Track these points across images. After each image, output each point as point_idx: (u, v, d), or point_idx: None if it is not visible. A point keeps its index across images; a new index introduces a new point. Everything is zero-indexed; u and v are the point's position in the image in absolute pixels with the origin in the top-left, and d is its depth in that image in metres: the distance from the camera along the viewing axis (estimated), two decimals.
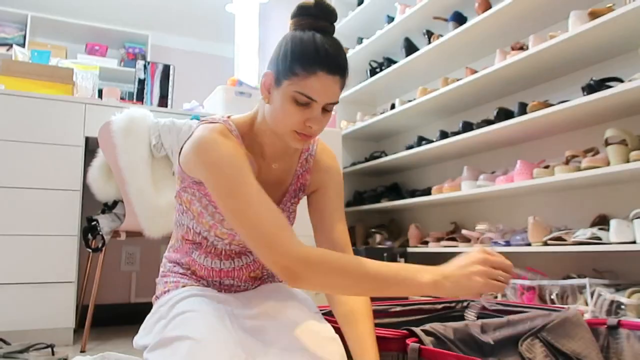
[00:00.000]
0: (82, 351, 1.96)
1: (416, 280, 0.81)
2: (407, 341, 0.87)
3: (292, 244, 0.81)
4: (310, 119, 0.89)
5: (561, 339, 0.98)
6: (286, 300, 0.98)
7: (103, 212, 2.23)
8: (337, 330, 0.94)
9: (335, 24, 0.92)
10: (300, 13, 0.90)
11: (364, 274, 0.81)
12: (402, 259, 2.65)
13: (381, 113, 3.16)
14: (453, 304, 1.39)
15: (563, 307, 1.11)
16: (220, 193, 0.85)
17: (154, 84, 2.70)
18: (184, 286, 1.00)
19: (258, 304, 0.97)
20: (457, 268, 0.82)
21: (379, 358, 0.88)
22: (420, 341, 0.86)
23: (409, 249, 2.76)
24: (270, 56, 0.94)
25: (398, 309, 1.29)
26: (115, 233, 2.11)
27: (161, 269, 1.08)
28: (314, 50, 0.86)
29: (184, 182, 0.99)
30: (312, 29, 0.89)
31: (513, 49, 2.27)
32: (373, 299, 0.98)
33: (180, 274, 1.04)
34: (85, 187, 2.18)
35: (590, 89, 1.89)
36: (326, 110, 0.90)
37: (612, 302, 1.66)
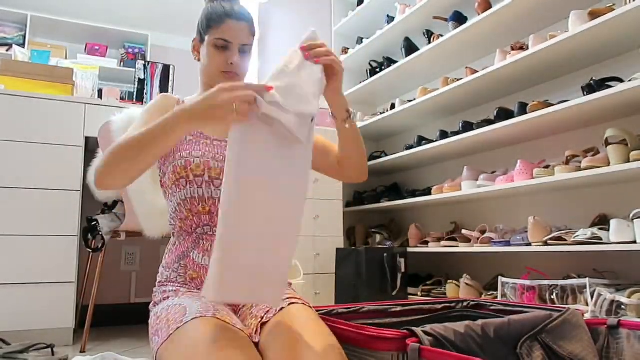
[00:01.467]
0: (82, 351, 1.96)
1: (168, 126, 0.88)
2: (407, 341, 0.86)
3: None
4: (230, 58, 1.09)
5: (560, 340, 0.98)
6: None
7: (103, 212, 2.23)
8: (336, 331, 0.94)
9: None
10: None
11: (131, 140, 0.91)
12: (402, 259, 2.65)
13: (381, 113, 3.16)
14: (453, 304, 1.39)
15: (563, 307, 1.11)
16: (132, 128, 1.06)
17: (153, 84, 2.70)
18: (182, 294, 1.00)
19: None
20: (202, 98, 0.86)
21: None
22: (420, 341, 0.86)
23: (409, 249, 2.76)
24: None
25: (398, 309, 1.29)
26: (115, 233, 2.11)
27: (158, 278, 1.08)
28: (222, 7, 1.10)
29: (160, 161, 1.12)
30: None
31: (513, 49, 2.27)
32: (373, 300, 0.98)
33: (179, 283, 1.04)
34: (85, 187, 2.18)
35: (590, 89, 1.89)
36: (243, 51, 1.11)
37: (612, 302, 1.66)
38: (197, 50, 1.16)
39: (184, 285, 1.03)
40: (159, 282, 1.07)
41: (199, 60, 1.16)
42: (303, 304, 1.00)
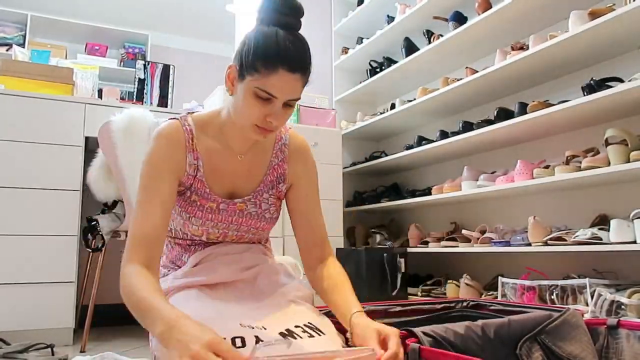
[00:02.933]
0: (82, 351, 1.96)
1: (151, 327, 0.77)
2: (407, 341, 0.86)
3: (128, 265, 0.85)
4: (270, 114, 0.90)
5: (559, 341, 0.98)
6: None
7: (103, 212, 2.23)
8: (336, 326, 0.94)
9: (301, 19, 0.92)
10: (267, 7, 0.90)
11: (134, 308, 0.81)
12: (402, 259, 2.65)
13: (381, 113, 3.16)
14: (453, 304, 1.39)
15: (563, 307, 1.11)
16: (137, 191, 0.95)
17: (153, 84, 2.70)
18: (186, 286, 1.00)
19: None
20: (178, 342, 0.71)
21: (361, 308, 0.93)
22: (420, 342, 0.86)
23: (409, 249, 2.76)
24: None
25: (398, 309, 1.29)
26: (115, 233, 2.11)
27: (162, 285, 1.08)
28: (275, 47, 0.86)
29: None
30: (277, 25, 0.88)
31: (513, 49, 2.27)
32: (373, 300, 0.99)
33: (179, 287, 1.03)
34: (85, 187, 2.18)
35: (590, 89, 1.89)
36: (288, 105, 0.91)
37: (612, 302, 1.66)
38: (232, 82, 0.94)
39: (185, 288, 1.02)
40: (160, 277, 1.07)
41: (231, 93, 0.95)
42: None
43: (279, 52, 0.86)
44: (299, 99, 0.94)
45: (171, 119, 1.01)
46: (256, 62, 0.86)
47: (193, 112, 1.04)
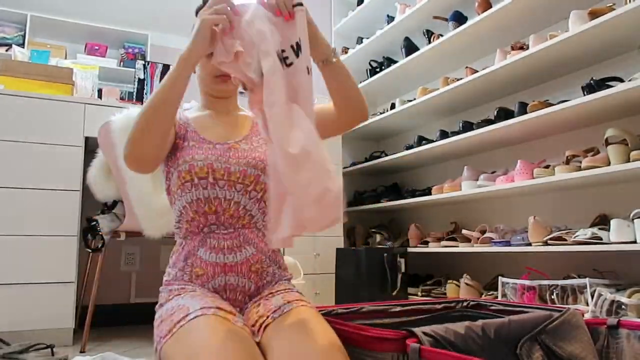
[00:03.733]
0: (82, 351, 1.96)
1: (175, 72, 0.97)
2: (407, 342, 0.86)
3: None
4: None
5: (559, 341, 0.98)
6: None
7: (103, 212, 2.23)
8: (337, 331, 0.94)
9: None
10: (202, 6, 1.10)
11: (149, 102, 0.98)
12: (402, 259, 2.65)
13: (381, 113, 3.16)
14: (453, 304, 1.39)
15: (563, 307, 1.11)
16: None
17: (153, 84, 2.70)
18: (190, 291, 1.00)
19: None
20: (194, 31, 0.97)
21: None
22: (420, 342, 0.86)
23: (409, 249, 2.76)
24: None
25: (398, 309, 1.29)
26: (115, 233, 2.11)
27: (164, 277, 1.09)
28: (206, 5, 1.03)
29: (166, 169, 1.12)
30: None
31: (513, 49, 2.27)
32: (373, 300, 0.99)
33: (185, 281, 1.04)
34: (85, 187, 2.18)
35: (590, 88, 1.89)
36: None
37: (612, 302, 1.66)
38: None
39: (190, 283, 1.04)
40: (165, 281, 1.08)
41: (194, 72, 1.14)
42: (307, 305, 1.00)
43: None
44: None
45: None
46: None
47: None
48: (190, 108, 1.24)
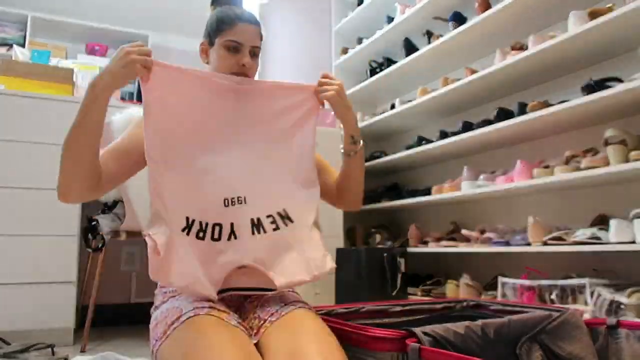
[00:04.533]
0: (82, 351, 1.96)
1: (91, 96, 1.00)
2: (407, 342, 0.87)
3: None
4: (242, 60, 1.10)
5: (559, 341, 0.98)
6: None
7: (103, 212, 2.23)
8: (335, 331, 0.94)
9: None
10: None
11: (68, 135, 0.99)
12: (402, 259, 2.65)
13: (381, 113, 3.16)
14: (453, 304, 1.39)
15: (563, 307, 1.11)
16: None
17: None
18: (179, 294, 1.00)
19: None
20: (112, 61, 0.97)
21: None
22: (420, 342, 0.86)
23: (409, 249, 2.76)
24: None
25: (398, 309, 1.29)
26: (115, 233, 2.11)
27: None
28: (232, 11, 1.12)
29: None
30: (225, 3, 1.18)
31: (513, 49, 2.27)
32: (373, 300, 0.99)
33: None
34: None
35: (590, 89, 1.89)
36: (254, 54, 1.12)
37: (612, 302, 1.66)
38: (206, 53, 1.16)
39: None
40: (161, 283, 1.08)
41: (207, 63, 1.16)
42: (304, 307, 1.00)
43: (237, 12, 1.12)
44: (260, 48, 1.15)
45: None
46: (221, 25, 1.11)
47: None
48: None
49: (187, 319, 0.88)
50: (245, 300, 1.06)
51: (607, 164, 1.81)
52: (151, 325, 0.99)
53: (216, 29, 1.12)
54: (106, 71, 0.95)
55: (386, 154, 3.12)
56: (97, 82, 0.96)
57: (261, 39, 1.16)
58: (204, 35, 1.17)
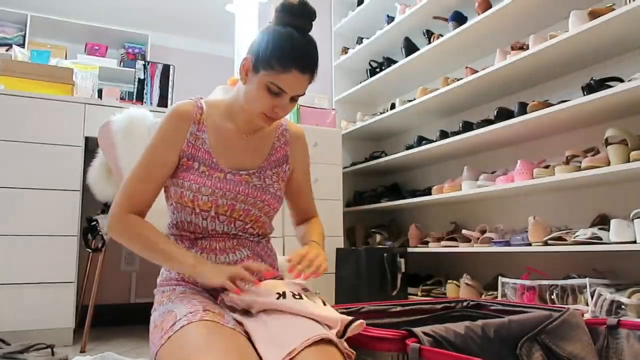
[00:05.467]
0: (82, 351, 1.96)
1: (180, 260, 0.98)
2: (407, 341, 0.86)
3: (122, 205, 1.03)
4: (278, 106, 1.01)
5: (559, 341, 0.98)
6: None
7: (103, 212, 2.23)
8: None
9: (313, 22, 1.04)
10: (284, 9, 1.02)
11: (150, 247, 1.01)
12: (402, 259, 2.65)
13: (381, 113, 3.16)
14: (453, 304, 1.39)
15: (563, 307, 1.11)
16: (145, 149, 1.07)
17: (153, 84, 2.70)
18: (181, 293, 1.00)
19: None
20: (214, 267, 0.98)
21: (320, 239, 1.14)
22: (420, 342, 0.86)
23: (409, 249, 2.76)
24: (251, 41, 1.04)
25: (398, 309, 1.29)
26: None
27: (158, 279, 1.09)
28: (291, 49, 0.98)
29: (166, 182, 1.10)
30: (292, 26, 1.00)
31: (513, 49, 2.27)
32: (373, 300, 0.99)
33: (177, 280, 1.04)
34: (85, 187, 2.18)
35: (590, 88, 1.89)
36: (293, 99, 1.03)
37: (612, 302, 1.66)
38: (246, 72, 1.03)
39: (181, 283, 1.04)
40: (159, 282, 1.08)
41: (244, 82, 1.04)
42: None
43: (295, 55, 0.97)
44: (304, 94, 1.05)
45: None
46: (272, 60, 0.97)
47: (204, 99, 1.13)
48: (214, 97, 1.19)
49: (180, 328, 0.86)
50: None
51: (608, 164, 1.81)
52: (150, 327, 0.98)
53: (267, 61, 0.98)
54: (213, 270, 0.97)
55: (386, 154, 3.12)
56: (200, 270, 0.97)
57: (310, 82, 1.04)
58: (251, 50, 1.03)
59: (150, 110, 2.15)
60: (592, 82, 1.89)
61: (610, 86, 1.83)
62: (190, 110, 1.07)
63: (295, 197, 1.23)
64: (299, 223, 1.26)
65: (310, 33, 1.02)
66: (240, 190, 1.05)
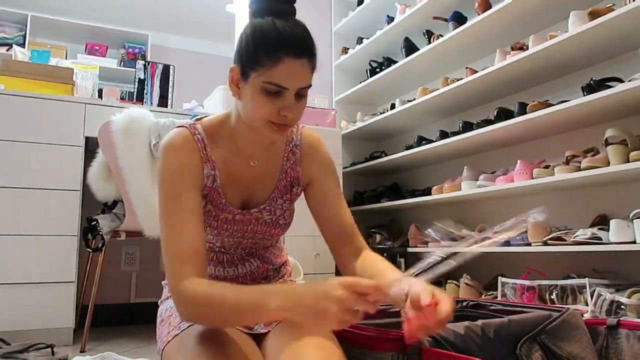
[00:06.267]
0: (82, 351, 1.96)
1: (265, 307, 0.75)
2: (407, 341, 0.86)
3: (183, 282, 0.80)
4: (284, 108, 0.84)
5: (559, 341, 0.98)
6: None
7: (103, 212, 2.23)
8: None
9: (295, 4, 0.87)
10: None
11: (234, 310, 0.78)
12: (402, 259, 2.65)
13: (381, 113, 3.16)
14: None
15: (563, 307, 1.11)
16: (159, 210, 0.88)
17: (153, 84, 2.70)
18: None
19: None
20: (313, 297, 0.72)
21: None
22: (420, 341, 0.86)
23: (409, 249, 2.76)
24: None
25: (398, 309, 1.29)
26: (115, 233, 2.11)
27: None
28: (275, 35, 0.81)
29: None
30: (271, 15, 0.84)
31: (513, 49, 2.27)
32: None
33: None
34: (85, 187, 2.18)
35: (590, 89, 1.89)
36: (300, 95, 0.86)
37: (612, 302, 1.66)
38: (237, 84, 0.88)
39: None
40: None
41: (238, 97, 0.89)
42: None
43: (280, 40, 0.81)
44: (310, 86, 0.87)
45: (178, 126, 0.95)
46: (258, 56, 0.82)
47: (200, 118, 0.99)
48: (201, 115, 1.03)
49: (188, 327, 0.86)
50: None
51: (608, 164, 1.81)
52: (157, 320, 0.98)
53: (252, 57, 0.82)
54: (299, 303, 0.74)
55: (386, 154, 3.12)
56: (285, 306, 0.75)
57: (314, 71, 0.87)
58: (235, 57, 0.87)
59: (151, 110, 2.16)
60: (592, 82, 1.89)
61: (610, 86, 1.83)
62: (193, 147, 0.92)
63: (322, 219, 1.02)
64: (342, 261, 1.04)
65: (311, 33, 0.90)
66: (248, 229, 0.99)
